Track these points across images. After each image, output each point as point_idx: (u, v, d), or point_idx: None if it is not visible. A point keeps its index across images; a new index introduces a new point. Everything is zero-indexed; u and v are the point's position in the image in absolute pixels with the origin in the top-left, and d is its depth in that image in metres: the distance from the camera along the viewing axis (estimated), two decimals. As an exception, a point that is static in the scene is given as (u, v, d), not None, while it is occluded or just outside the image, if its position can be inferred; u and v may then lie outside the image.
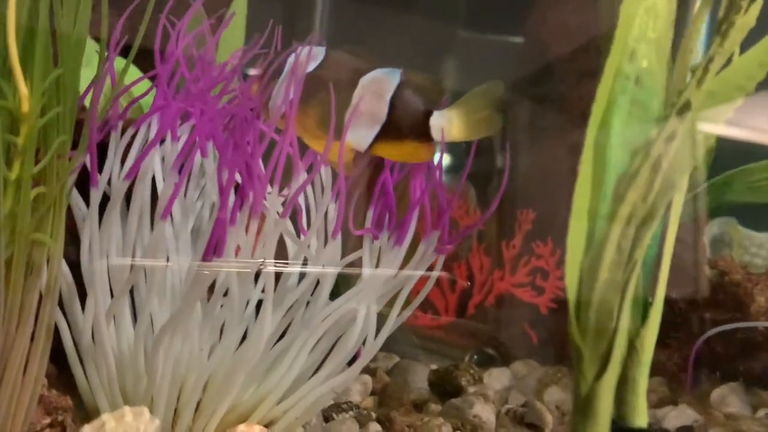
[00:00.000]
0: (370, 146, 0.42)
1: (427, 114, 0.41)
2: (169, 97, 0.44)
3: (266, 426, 0.46)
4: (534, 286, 0.94)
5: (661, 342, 0.68)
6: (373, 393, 0.60)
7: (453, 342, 0.98)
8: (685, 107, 0.33)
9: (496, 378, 0.67)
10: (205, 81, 0.46)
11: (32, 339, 0.38)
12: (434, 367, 0.66)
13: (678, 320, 0.67)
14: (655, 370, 0.67)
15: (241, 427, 0.44)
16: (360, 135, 0.42)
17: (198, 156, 0.47)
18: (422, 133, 0.41)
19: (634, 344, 0.35)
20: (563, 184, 0.95)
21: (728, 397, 0.58)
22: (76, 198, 0.44)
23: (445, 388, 0.62)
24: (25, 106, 0.35)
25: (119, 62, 0.45)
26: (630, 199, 0.32)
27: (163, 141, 0.46)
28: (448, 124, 0.41)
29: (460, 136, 0.41)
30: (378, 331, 0.47)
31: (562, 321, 0.93)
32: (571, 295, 0.32)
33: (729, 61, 0.35)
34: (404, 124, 0.42)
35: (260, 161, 0.44)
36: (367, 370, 0.69)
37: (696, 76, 0.34)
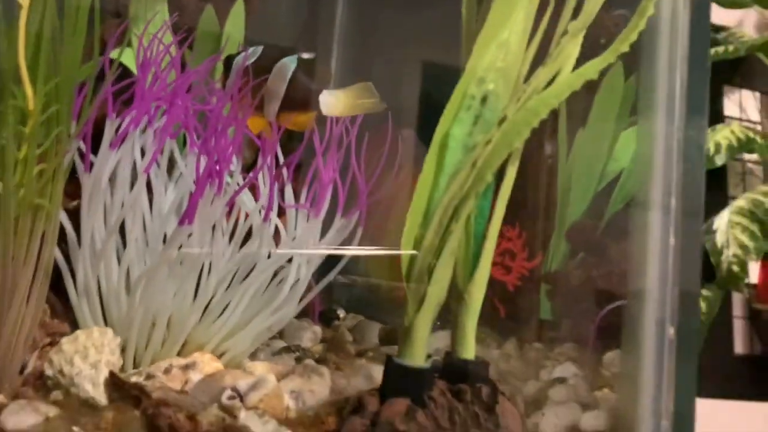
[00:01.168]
0: (277, 117, 0.55)
1: (318, 92, 0.53)
2: (145, 93, 0.57)
3: (218, 356, 0.58)
4: (503, 265, 1.04)
5: (582, 314, 0.79)
6: (324, 341, 0.72)
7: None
8: (503, 120, 0.44)
9: (441, 338, 0.78)
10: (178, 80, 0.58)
11: (34, 275, 0.51)
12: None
13: (598, 296, 0.77)
14: (572, 336, 0.78)
15: (196, 354, 0.56)
16: (270, 108, 0.55)
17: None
18: (312, 107, 0.54)
19: (463, 296, 0.45)
20: (533, 177, 1.06)
21: (617, 359, 0.68)
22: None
23: (390, 342, 0.74)
24: (31, 105, 0.48)
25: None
26: (452, 188, 0.43)
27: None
28: (334, 101, 0.53)
29: (345, 112, 0.53)
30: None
31: (526, 297, 1.04)
32: (405, 255, 0.43)
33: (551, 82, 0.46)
34: (296, 99, 0.54)
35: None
36: (330, 326, 0.81)
37: (518, 95, 0.45)
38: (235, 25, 0.71)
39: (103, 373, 0.47)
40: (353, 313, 0.91)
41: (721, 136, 1.76)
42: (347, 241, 0.60)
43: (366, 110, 0.53)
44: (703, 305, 1.64)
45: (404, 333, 0.43)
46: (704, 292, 1.64)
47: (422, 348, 0.43)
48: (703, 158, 0.50)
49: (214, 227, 0.57)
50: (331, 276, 0.60)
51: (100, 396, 0.45)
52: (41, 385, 0.48)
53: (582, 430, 0.52)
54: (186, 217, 0.54)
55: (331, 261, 0.63)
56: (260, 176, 0.60)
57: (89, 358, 0.47)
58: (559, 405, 0.55)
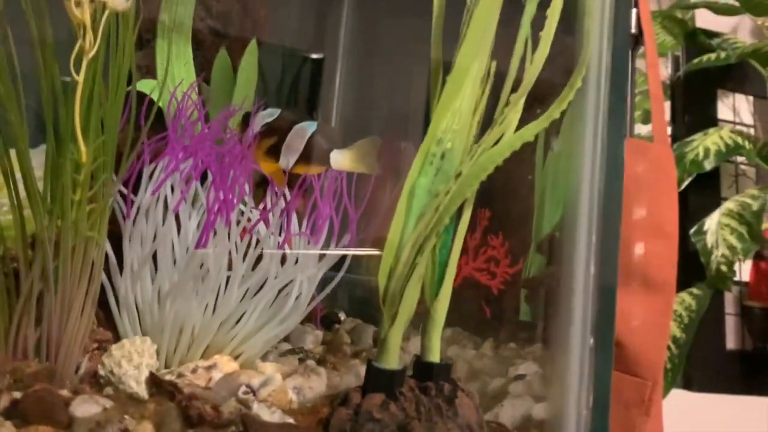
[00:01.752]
0: (293, 167, 0.67)
1: (329, 150, 0.66)
2: (176, 146, 0.69)
3: (235, 358, 0.71)
4: (489, 271, 1.16)
5: (549, 317, 0.91)
6: (324, 343, 0.84)
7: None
8: (459, 174, 0.56)
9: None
10: (201, 133, 0.70)
11: (87, 294, 0.63)
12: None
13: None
14: (542, 337, 0.90)
15: (216, 356, 0.69)
16: (287, 159, 0.67)
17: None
18: (324, 162, 0.66)
19: (430, 312, 0.57)
20: (513, 190, 1.19)
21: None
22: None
23: (382, 344, 0.86)
24: (84, 158, 0.61)
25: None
26: (418, 228, 0.54)
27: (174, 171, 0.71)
28: (341, 158, 0.65)
29: (349, 168, 0.66)
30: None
31: (509, 300, 1.17)
32: (382, 280, 0.55)
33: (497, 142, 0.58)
34: (312, 155, 0.66)
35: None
36: (331, 329, 0.94)
37: (471, 153, 0.56)
38: (248, 76, 0.83)
39: (144, 374, 0.59)
40: (353, 317, 1.04)
41: (710, 141, 1.86)
42: (341, 261, 0.73)
43: (368, 169, 0.66)
44: (692, 303, 1.75)
45: (381, 343, 0.55)
46: (694, 290, 1.75)
47: (395, 354, 0.55)
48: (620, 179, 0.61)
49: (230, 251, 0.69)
50: (327, 290, 0.72)
51: (143, 391, 0.58)
52: (94, 382, 0.61)
53: (533, 419, 0.64)
54: (199, 242, 0.66)
55: (329, 278, 0.76)
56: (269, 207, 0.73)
57: (133, 361, 0.59)
58: (517, 398, 0.67)
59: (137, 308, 0.69)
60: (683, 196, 1.93)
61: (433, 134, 0.56)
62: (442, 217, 0.54)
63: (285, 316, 0.71)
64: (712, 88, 2.03)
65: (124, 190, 0.68)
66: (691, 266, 1.78)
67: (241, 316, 0.70)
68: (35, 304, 0.60)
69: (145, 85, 0.90)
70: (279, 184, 0.68)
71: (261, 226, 0.73)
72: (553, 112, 0.56)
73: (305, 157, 0.67)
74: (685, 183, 1.83)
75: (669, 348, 1.61)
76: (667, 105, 2.04)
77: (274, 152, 0.67)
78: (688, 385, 1.74)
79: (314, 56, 1.27)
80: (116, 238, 0.69)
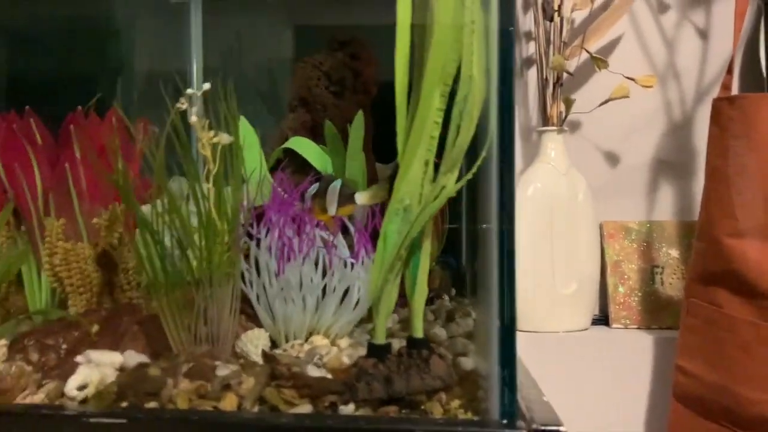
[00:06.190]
0: (336, 212, 1.07)
1: (353, 194, 1.05)
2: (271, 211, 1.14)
3: (328, 337, 1.14)
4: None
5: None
6: (401, 321, 1.24)
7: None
8: (416, 219, 0.93)
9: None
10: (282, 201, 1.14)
11: (231, 305, 1.10)
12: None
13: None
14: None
15: (313, 336, 1.12)
16: (331, 209, 1.07)
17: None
18: (352, 201, 1.05)
19: (412, 305, 0.95)
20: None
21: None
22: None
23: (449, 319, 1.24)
24: (222, 236, 1.07)
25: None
26: (391, 256, 0.93)
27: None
28: (362, 198, 1.04)
29: (368, 202, 1.04)
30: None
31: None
32: (371, 291, 0.94)
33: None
34: (343, 201, 1.05)
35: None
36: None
37: (422, 205, 0.93)
38: (357, 135, 1.27)
39: (260, 350, 1.04)
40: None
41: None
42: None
43: (379, 201, 1.04)
44: None
45: (373, 328, 0.94)
46: None
47: (382, 335, 0.94)
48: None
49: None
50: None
51: (260, 360, 1.03)
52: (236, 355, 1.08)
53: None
54: (279, 271, 1.10)
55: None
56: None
57: (253, 342, 1.05)
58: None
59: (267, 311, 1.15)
60: None
61: (396, 198, 0.93)
62: (406, 248, 0.92)
63: (355, 307, 1.13)
64: None
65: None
66: None
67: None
68: (204, 314, 1.08)
69: (296, 143, 1.37)
70: (331, 228, 1.09)
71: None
72: (469, 175, 0.90)
73: (340, 203, 1.07)
74: None
75: None
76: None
77: (324, 208, 1.08)
78: None
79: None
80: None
